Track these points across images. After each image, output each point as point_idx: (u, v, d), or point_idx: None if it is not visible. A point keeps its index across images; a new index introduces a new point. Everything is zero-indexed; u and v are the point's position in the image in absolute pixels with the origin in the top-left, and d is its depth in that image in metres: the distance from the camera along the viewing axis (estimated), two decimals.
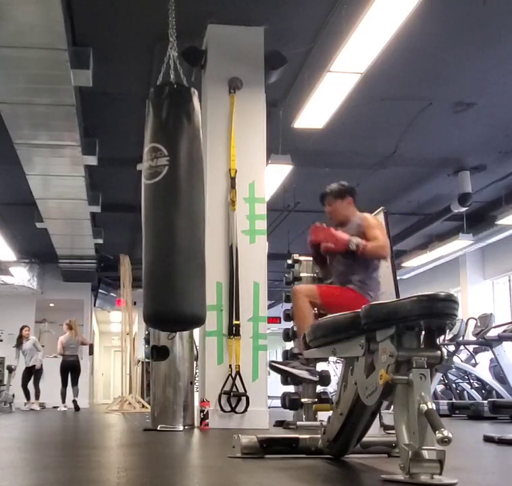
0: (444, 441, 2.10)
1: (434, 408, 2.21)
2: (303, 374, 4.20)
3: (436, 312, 2.29)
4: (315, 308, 4.47)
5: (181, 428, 5.68)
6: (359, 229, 4.52)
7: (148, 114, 4.28)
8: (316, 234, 4.46)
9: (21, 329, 12.91)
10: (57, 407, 12.34)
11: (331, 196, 4.77)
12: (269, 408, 6.13)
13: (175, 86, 4.32)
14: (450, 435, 2.10)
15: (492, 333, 8.85)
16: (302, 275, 6.18)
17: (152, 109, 4.26)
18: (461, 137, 8.92)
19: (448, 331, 2.52)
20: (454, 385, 10.22)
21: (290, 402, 5.94)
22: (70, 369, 12.23)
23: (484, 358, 10.15)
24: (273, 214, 10.15)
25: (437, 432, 2.13)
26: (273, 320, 12.16)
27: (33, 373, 12.55)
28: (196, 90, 4.41)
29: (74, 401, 12.09)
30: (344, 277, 4.49)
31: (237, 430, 4.84)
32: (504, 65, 6.98)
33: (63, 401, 12.17)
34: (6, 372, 12.32)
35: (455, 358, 9.50)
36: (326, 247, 4.43)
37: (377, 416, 3.33)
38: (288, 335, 6.22)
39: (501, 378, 9.21)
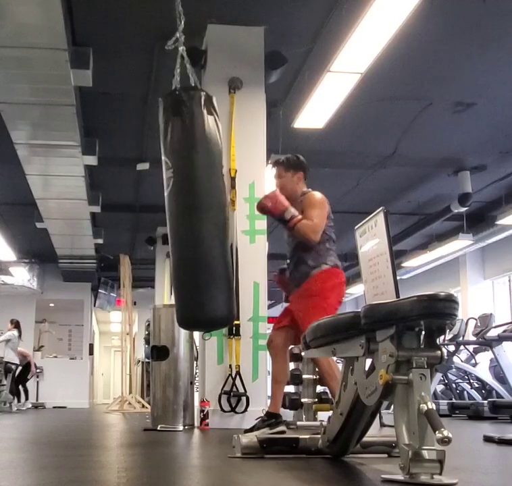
0: (444, 441, 2.10)
1: (434, 408, 2.21)
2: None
3: (436, 312, 2.29)
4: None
5: (181, 428, 5.68)
6: (301, 205, 4.40)
7: (162, 117, 4.22)
8: (265, 198, 4.38)
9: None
10: (62, 407, 12.30)
11: (283, 167, 4.61)
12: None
13: (172, 93, 4.20)
14: (450, 435, 2.10)
15: (492, 333, 8.84)
16: None
17: (162, 113, 4.21)
18: (461, 137, 8.92)
19: (448, 331, 2.53)
20: (454, 385, 10.22)
21: (290, 402, 5.93)
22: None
23: (484, 358, 10.14)
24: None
25: (437, 432, 2.13)
26: (273, 320, 12.16)
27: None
28: (205, 91, 4.33)
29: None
30: (298, 264, 4.41)
31: (237, 430, 4.84)
32: (504, 65, 6.98)
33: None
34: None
35: (455, 358, 9.50)
36: (264, 206, 4.35)
37: (377, 416, 3.33)
38: None
39: (501, 378, 9.20)
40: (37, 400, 14.12)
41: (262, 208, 4.40)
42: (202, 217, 4.04)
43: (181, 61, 4.33)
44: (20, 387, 12.58)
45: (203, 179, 4.08)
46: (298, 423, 5.68)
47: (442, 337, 2.46)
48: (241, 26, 6.19)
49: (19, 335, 12.29)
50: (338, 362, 4.66)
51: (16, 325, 12.31)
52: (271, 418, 4.56)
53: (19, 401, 12.40)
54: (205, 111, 4.21)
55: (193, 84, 4.31)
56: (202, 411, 5.61)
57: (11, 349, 11.94)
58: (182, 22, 4.30)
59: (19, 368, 12.38)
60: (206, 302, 4.00)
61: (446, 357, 2.46)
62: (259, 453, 3.07)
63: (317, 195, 4.48)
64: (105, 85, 7.18)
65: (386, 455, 3.08)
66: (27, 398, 12.57)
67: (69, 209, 10.57)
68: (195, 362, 6.37)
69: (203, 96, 4.22)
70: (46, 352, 13.92)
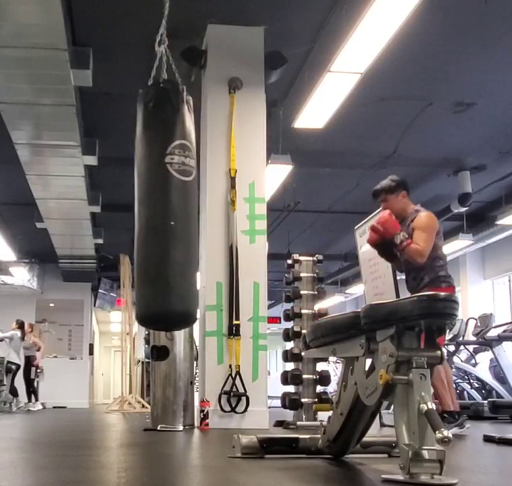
0: (444, 441, 2.11)
1: (434, 408, 2.21)
2: None
3: (436, 312, 2.29)
4: None
5: (181, 428, 5.68)
6: (411, 226, 4.62)
7: (173, 106, 4.22)
8: (378, 223, 4.55)
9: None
10: (62, 407, 12.28)
11: (384, 193, 4.82)
12: (269, 408, 6.12)
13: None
14: (450, 435, 2.11)
15: (492, 333, 8.84)
16: (302, 275, 6.18)
17: (177, 103, 4.22)
18: (461, 137, 8.92)
19: (448, 331, 2.52)
20: (454, 385, 10.21)
21: (290, 402, 5.94)
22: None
23: (484, 358, 10.14)
24: (273, 214, 10.15)
25: (437, 432, 2.13)
26: (273, 320, 12.17)
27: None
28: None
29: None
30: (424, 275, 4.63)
31: (237, 430, 4.84)
32: (504, 65, 6.98)
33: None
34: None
35: (455, 358, 9.50)
36: (376, 229, 4.52)
37: (377, 416, 3.33)
38: (288, 335, 6.22)
39: (501, 378, 9.20)
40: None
41: (374, 231, 4.56)
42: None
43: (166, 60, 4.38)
44: (29, 388, 12.52)
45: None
46: (298, 423, 5.69)
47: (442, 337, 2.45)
48: (241, 26, 6.19)
49: (22, 337, 12.28)
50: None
51: (20, 325, 12.31)
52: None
53: (29, 401, 12.36)
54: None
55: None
56: (202, 411, 5.61)
57: (13, 350, 11.93)
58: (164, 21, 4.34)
59: (21, 367, 12.33)
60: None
61: (446, 357, 2.46)
62: (259, 453, 3.07)
63: (426, 217, 4.68)
64: (105, 85, 7.18)
65: (386, 455, 3.08)
66: (36, 399, 12.52)
67: (69, 209, 10.57)
68: (195, 362, 6.37)
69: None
70: (46, 352, 13.89)
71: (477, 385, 10.05)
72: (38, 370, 12.80)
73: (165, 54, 4.40)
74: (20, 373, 12.21)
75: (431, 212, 4.77)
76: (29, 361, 12.54)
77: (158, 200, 4.08)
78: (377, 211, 5.53)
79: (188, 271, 4.11)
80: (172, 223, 4.02)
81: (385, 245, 4.60)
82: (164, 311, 4.02)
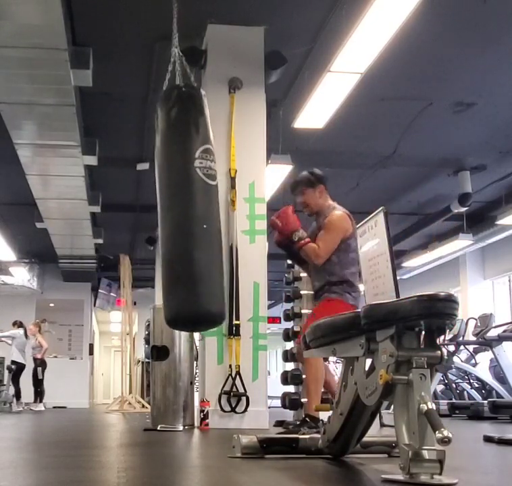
0: (444, 441, 2.10)
1: (434, 408, 2.21)
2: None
3: (436, 312, 2.29)
4: None
5: (181, 428, 5.68)
6: (324, 223, 4.47)
7: (198, 110, 4.22)
8: (277, 217, 4.47)
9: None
10: (62, 407, 12.25)
11: (302, 185, 4.68)
12: (269, 408, 6.13)
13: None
14: (450, 435, 2.10)
15: (492, 333, 8.85)
16: (302, 275, 6.18)
17: (202, 107, 4.22)
18: (461, 137, 8.92)
19: (448, 331, 2.53)
20: (454, 385, 10.22)
21: (290, 402, 5.94)
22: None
23: (484, 358, 10.15)
24: (273, 214, 10.14)
25: (437, 432, 2.13)
26: (273, 320, 12.16)
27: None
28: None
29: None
30: (320, 279, 4.45)
31: (237, 430, 4.84)
32: (504, 65, 6.98)
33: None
34: (6, 372, 12.21)
35: (455, 358, 9.50)
36: (274, 224, 4.45)
37: (377, 416, 3.33)
38: (288, 335, 6.22)
39: (501, 378, 9.21)
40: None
41: (272, 226, 4.53)
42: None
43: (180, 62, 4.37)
44: (37, 388, 12.46)
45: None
46: (298, 423, 5.68)
47: (442, 337, 2.46)
48: (241, 26, 6.19)
49: (25, 335, 12.25)
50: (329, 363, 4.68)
51: (20, 325, 12.29)
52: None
53: (35, 401, 12.34)
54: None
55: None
56: (202, 411, 5.61)
57: (17, 349, 11.92)
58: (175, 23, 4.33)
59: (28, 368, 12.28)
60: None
61: (446, 357, 2.46)
62: (259, 453, 3.07)
63: (337, 217, 4.49)
64: (105, 85, 7.18)
65: (386, 455, 3.08)
66: (41, 400, 12.47)
67: (69, 209, 10.57)
68: (195, 362, 6.37)
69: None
70: (47, 352, 13.91)
71: (477, 385, 10.06)
72: (43, 368, 12.69)
73: (178, 57, 4.40)
74: (24, 373, 12.17)
75: (346, 212, 4.53)
76: (36, 362, 12.53)
77: (189, 204, 4.11)
78: (377, 211, 5.52)
79: (217, 272, 4.14)
80: (205, 225, 4.07)
81: (289, 246, 4.47)
82: (197, 312, 4.03)
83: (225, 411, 5.71)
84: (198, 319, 4.07)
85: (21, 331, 12.12)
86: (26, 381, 12.17)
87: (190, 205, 4.10)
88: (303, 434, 3.92)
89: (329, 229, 4.43)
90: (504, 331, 8.61)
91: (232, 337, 5.84)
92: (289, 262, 6.29)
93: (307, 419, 4.43)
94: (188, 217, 4.09)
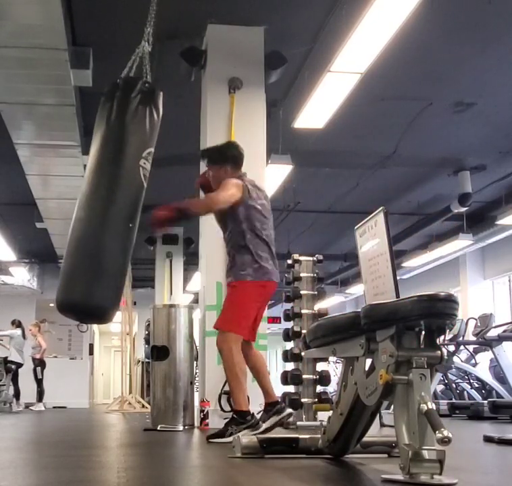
0: (444, 441, 2.10)
1: (434, 408, 2.21)
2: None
3: (436, 312, 2.29)
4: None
5: (181, 428, 5.69)
6: None
7: (158, 111, 4.24)
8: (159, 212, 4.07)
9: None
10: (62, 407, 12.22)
11: (207, 159, 4.36)
12: None
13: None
14: (450, 435, 2.10)
15: (492, 333, 8.84)
16: (302, 275, 6.18)
17: (160, 110, 4.25)
18: (461, 137, 8.92)
19: (448, 331, 2.52)
20: (454, 385, 10.22)
21: (290, 402, 5.94)
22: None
23: (484, 358, 10.15)
24: (273, 214, 10.11)
25: (437, 432, 2.13)
26: (273, 320, 12.16)
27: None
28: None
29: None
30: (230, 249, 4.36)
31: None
32: (504, 65, 6.98)
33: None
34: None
35: (455, 358, 9.50)
36: (159, 217, 4.05)
37: (377, 416, 3.33)
38: (288, 335, 6.22)
39: (501, 378, 9.20)
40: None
41: (157, 218, 4.08)
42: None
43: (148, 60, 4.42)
44: (38, 387, 12.47)
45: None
46: (298, 423, 5.69)
47: (442, 337, 2.45)
48: (241, 26, 6.19)
49: (23, 335, 12.23)
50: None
51: (18, 324, 12.25)
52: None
53: (39, 400, 12.35)
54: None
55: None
56: (202, 411, 5.61)
57: (15, 349, 11.88)
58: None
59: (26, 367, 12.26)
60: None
61: (446, 357, 2.46)
62: (259, 453, 3.08)
63: (234, 180, 4.24)
64: (105, 85, 7.17)
65: (386, 455, 3.08)
66: (41, 400, 12.45)
67: (69, 209, 10.44)
68: (195, 362, 6.37)
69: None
70: (46, 352, 13.90)
71: (477, 385, 10.06)
72: (43, 368, 12.68)
73: (146, 52, 4.43)
74: (24, 373, 12.16)
75: (239, 181, 4.26)
76: (35, 362, 12.52)
77: (127, 201, 4.13)
78: (376, 211, 5.51)
79: (121, 271, 4.16)
80: (130, 225, 4.10)
81: (184, 215, 4.09)
82: (90, 304, 4.03)
83: (225, 411, 5.71)
84: (91, 312, 4.08)
85: (18, 331, 12.10)
86: (26, 381, 12.17)
87: (128, 202, 4.12)
88: (230, 434, 3.91)
89: (224, 184, 4.16)
90: (504, 331, 8.61)
91: None
92: (289, 262, 6.28)
93: (235, 416, 4.30)
94: (118, 211, 4.08)
